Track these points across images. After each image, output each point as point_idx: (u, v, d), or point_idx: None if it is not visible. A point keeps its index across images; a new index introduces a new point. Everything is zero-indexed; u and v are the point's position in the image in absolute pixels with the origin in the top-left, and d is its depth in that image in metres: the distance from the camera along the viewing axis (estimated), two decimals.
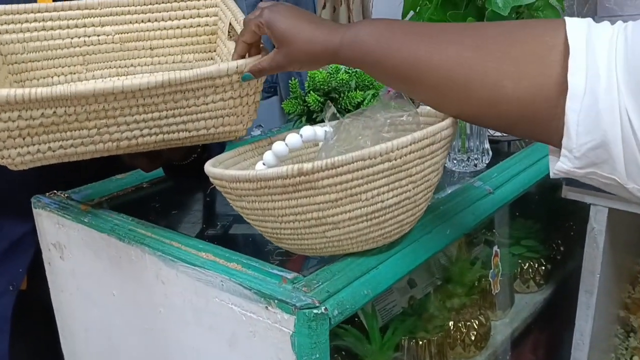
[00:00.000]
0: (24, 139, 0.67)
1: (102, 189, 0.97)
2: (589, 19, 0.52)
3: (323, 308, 0.59)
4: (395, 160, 0.58)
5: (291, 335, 0.59)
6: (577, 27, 0.51)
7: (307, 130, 0.65)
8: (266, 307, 0.61)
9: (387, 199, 0.61)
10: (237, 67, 0.68)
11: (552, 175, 0.56)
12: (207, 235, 0.92)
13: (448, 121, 0.63)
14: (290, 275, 0.64)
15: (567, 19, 0.53)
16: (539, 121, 0.53)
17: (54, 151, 0.69)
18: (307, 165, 0.57)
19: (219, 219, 0.98)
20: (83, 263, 0.87)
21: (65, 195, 0.93)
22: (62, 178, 0.93)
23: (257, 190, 0.60)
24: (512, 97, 0.54)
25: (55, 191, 0.94)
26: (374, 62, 0.61)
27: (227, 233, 0.95)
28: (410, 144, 0.58)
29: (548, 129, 0.53)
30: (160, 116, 0.70)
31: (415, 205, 0.65)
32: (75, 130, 0.68)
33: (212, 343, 0.70)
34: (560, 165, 0.53)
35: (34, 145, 0.68)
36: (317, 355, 0.60)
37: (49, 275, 0.95)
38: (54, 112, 0.65)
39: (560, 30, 0.52)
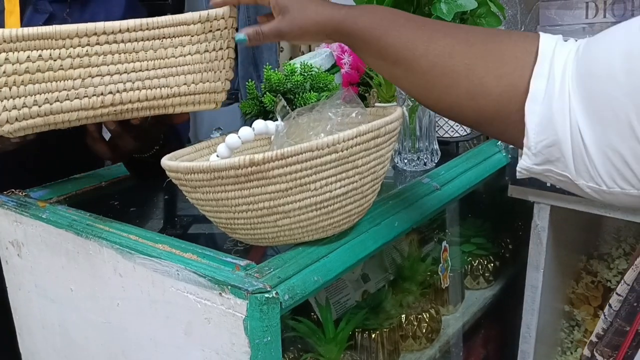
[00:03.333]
0: (10, 88, 0.69)
1: (61, 188, 0.98)
2: (560, 36, 0.60)
3: (274, 292, 0.62)
4: (342, 151, 0.62)
5: (244, 320, 0.62)
6: (548, 40, 0.58)
7: (259, 124, 0.68)
8: (220, 293, 0.64)
9: (335, 189, 0.64)
10: (207, 15, 0.74)
11: (517, 175, 0.62)
12: (166, 235, 0.93)
13: (392, 116, 0.67)
14: (243, 262, 0.66)
15: (541, 33, 0.60)
16: (510, 120, 0.59)
17: (39, 106, 0.72)
18: (258, 156, 0.60)
19: (178, 218, 1.00)
20: (41, 260, 0.88)
21: (24, 193, 0.93)
22: (20, 180, 0.95)
23: (210, 181, 0.63)
24: (492, 93, 0.59)
25: (13, 190, 0.94)
26: (374, 39, 0.66)
27: (186, 233, 0.97)
28: (356, 137, 0.62)
29: (516, 130, 0.58)
30: (141, 67, 0.74)
31: (362, 196, 0.68)
32: (60, 81, 0.71)
33: (168, 333, 0.72)
34: (522, 162, 0.59)
35: (19, 97, 0.71)
36: (269, 338, 0.62)
37: (6, 273, 0.96)
38: (40, 56, 0.69)
39: (536, 40, 0.59)
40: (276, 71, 0.97)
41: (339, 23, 0.67)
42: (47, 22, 1.01)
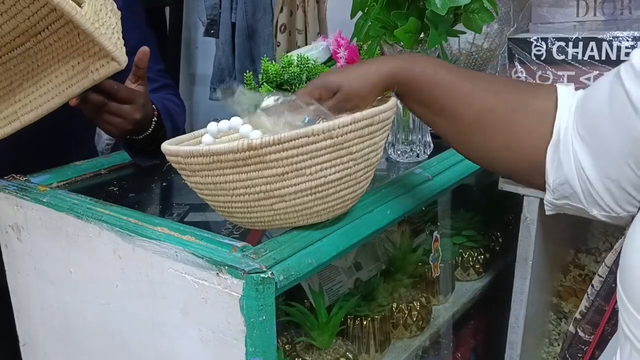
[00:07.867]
0: None
1: (60, 174, 1.00)
2: (572, 85, 0.65)
3: (269, 273, 0.64)
4: (337, 137, 0.64)
5: (240, 299, 0.64)
6: (566, 92, 0.64)
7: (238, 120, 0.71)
8: (217, 273, 0.66)
9: (330, 174, 0.66)
10: None
11: (546, 210, 0.67)
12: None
13: (386, 105, 0.69)
14: (240, 244, 0.69)
15: (557, 85, 0.65)
16: (538, 167, 0.64)
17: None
18: (256, 140, 0.62)
19: (176, 206, 1.02)
20: (40, 243, 0.90)
21: (24, 178, 0.95)
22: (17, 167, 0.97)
23: (210, 164, 0.65)
24: (526, 146, 0.64)
25: (13, 175, 0.96)
26: (424, 90, 0.69)
27: (183, 220, 0.99)
28: (351, 124, 0.64)
29: (541, 174, 0.64)
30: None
31: (356, 182, 0.70)
32: None
33: (166, 313, 0.74)
34: (545, 196, 0.65)
35: None
36: (264, 317, 0.65)
37: (6, 257, 0.97)
38: None
39: (554, 92, 0.64)
40: (274, 63, 0.99)
41: (390, 74, 0.70)
42: None
